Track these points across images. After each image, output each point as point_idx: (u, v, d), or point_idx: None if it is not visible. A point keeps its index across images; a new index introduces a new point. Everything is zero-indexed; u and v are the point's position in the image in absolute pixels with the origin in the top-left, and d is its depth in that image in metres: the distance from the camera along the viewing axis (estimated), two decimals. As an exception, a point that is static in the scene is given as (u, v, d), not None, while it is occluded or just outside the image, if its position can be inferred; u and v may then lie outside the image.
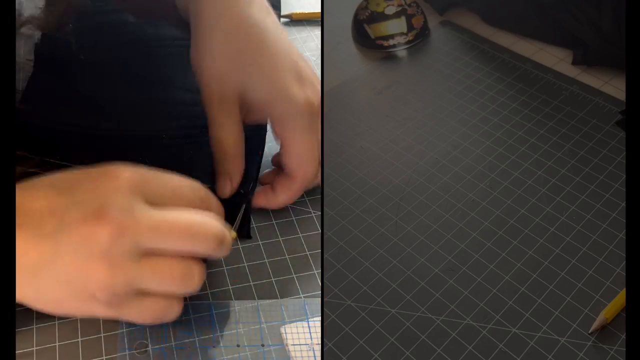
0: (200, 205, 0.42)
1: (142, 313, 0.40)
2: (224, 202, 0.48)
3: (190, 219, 0.40)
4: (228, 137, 0.50)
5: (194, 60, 0.50)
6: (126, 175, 0.39)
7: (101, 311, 0.40)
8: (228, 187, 0.50)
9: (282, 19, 0.74)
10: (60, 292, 0.40)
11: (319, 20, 0.76)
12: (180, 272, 0.40)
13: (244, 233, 0.51)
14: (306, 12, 0.76)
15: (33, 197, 0.39)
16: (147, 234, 0.39)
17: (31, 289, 0.40)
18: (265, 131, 0.56)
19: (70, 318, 0.46)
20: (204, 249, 0.41)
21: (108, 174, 0.39)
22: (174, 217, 0.40)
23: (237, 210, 0.51)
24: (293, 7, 0.77)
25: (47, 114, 0.57)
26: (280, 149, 0.51)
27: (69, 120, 0.57)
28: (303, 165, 0.50)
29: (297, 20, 0.76)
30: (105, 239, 0.37)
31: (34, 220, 0.39)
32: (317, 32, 0.75)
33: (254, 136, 0.54)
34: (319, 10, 0.75)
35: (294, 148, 0.50)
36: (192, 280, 0.40)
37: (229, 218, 0.48)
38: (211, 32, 0.49)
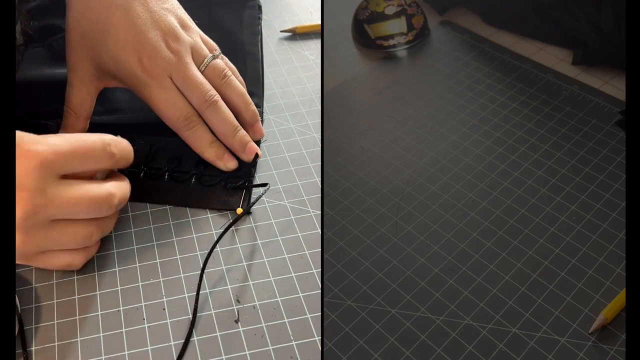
0: (109, 161, 0.48)
1: (51, 264, 0.47)
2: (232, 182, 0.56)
3: (92, 194, 0.46)
4: (75, 97, 0.56)
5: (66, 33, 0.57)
6: (39, 156, 0.43)
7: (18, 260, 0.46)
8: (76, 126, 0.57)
9: (284, 33, 0.74)
10: None
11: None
12: (83, 235, 0.47)
13: (247, 210, 0.54)
14: (309, 24, 0.75)
15: None
16: (56, 209, 0.44)
17: None
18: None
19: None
20: (102, 214, 0.48)
21: (25, 155, 0.42)
22: (80, 193, 0.45)
23: (239, 192, 0.56)
24: (293, 6, 0.77)
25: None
26: None
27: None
28: (171, 119, 0.56)
29: (301, 34, 0.75)
30: (20, 215, 0.42)
31: None
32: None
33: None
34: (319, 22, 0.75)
35: (156, 108, 0.56)
36: (90, 240, 0.48)
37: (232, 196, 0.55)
38: (70, 10, 0.56)
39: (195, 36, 0.58)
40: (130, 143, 0.56)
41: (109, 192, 0.47)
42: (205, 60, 0.57)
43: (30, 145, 0.43)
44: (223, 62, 0.59)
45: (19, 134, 0.43)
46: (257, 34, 0.72)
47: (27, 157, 0.42)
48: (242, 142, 0.57)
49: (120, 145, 0.49)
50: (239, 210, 0.53)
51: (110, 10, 0.54)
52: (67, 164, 0.45)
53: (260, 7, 0.75)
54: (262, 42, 0.72)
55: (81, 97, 0.56)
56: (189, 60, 0.56)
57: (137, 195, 0.55)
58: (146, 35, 0.55)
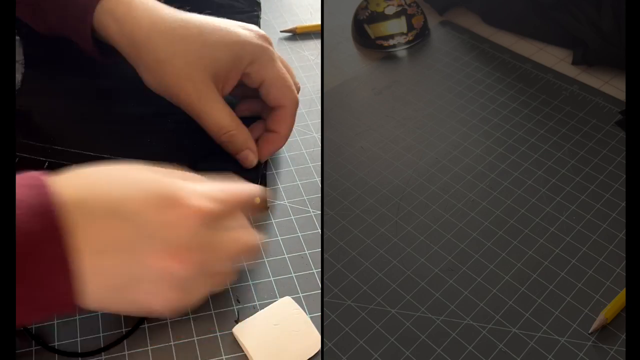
0: (253, 205, 0.45)
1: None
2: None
3: (247, 244, 0.43)
4: (223, 119, 0.52)
5: (152, 80, 0.53)
6: (194, 206, 0.38)
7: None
8: (251, 156, 0.53)
9: (284, 33, 0.74)
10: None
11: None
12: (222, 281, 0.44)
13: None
14: (309, 24, 0.75)
15: (90, 223, 0.36)
16: (219, 261, 0.41)
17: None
18: None
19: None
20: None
21: (176, 204, 0.38)
22: (244, 241, 0.42)
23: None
24: (293, 6, 0.77)
25: (48, 107, 0.58)
26: (262, 90, 0.54)
27: (78, 110, 0.58)
28: (286, 91, 0.54)
29: (301, 34, 0.75)
30: (182, 274, 0.38)
31: (97, 252, 0.36)
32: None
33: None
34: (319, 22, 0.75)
35: (272, 79, 0.53)
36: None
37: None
38: (149, 45, 0.51)
39: None
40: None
41: (258, 241, 0.44)
42: None
43: (180, 198, 0.38)
44: None
45: (178, 184, 0.39)
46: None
47: (179, 209, 0.38)
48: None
49: (263, 195, 0.46)
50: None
51: (177, 23, 0.52)
52: (223, 214, 0.41)
53: (259, 4, 0.74)
54: None
55: (226, 114, 0.52)
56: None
57: None
58: (229, 21, 0.54)
